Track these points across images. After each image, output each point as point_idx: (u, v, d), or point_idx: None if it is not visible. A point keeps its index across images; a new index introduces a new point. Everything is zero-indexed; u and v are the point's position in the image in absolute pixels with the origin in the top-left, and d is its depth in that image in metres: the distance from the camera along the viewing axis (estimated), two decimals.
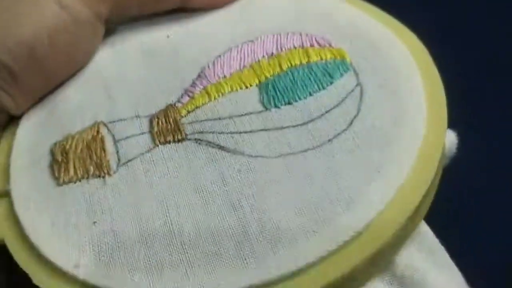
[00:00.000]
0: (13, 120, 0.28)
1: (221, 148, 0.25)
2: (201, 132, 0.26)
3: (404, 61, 0.27)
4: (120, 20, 0.31)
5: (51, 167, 0.26)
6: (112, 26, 0.31)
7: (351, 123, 0.25)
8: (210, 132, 0.26)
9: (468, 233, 0.34)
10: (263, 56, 0.28)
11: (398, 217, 0.23)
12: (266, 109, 0.26)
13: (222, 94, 0.27)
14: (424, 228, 0.24)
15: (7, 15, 0.26)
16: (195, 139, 0.26)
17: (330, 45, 0.28)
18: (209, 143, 0.26)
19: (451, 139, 0.26)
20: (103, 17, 0.28)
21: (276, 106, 0.26)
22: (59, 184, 0.25)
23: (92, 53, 0.29)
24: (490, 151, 0.37)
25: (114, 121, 0.27)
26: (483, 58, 0.42)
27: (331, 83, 0.27)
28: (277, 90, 0.27)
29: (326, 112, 0.26)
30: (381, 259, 0.23)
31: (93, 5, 0.27)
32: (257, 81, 0.27)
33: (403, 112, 0.25)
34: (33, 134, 0.27)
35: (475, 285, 0.24)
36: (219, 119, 0.26)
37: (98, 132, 0.27)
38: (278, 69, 0.28)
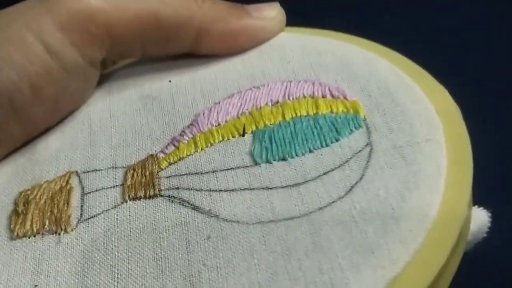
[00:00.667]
0: None
1: (195, 208, 0.21)
2: (177, 188, 0.22)
3: (428, 122, 0.22)
4: (121, 61, 0.28)
5: (10, 218, 0.23)
6: (112, 68, 0.28)
7: (350, 189, 0.20)
8: (186, 189, 0.22)
9: None
10: (267, 104, 0.24)
11: None
12: (256, 163, 0.22)
13: (211, 144, 0.23)
14: None
15: None
16: (169, 196, 0.22)
17: (344, 97, 0.24)
18: (182, 202, 0.22)
19: (481, 218, 0.21)
20: (97, 61, 0.25)
21: (267, 161, 0.22)
22: (12, 238, 0.22)
23: (83, 99, 0.26)
24: None
25: (88, 171, 0.24)
26: None
27: (337, 140, 0.22)
28: (273, 141, 0.23)
29: (324, 173, 0.21)
30: None
31: (86, 50, 0.24)
32: (253, 129, 0.23)
33: (415, 184, 0.20)
34: (4, 181, 0.25)
35: None
36: (201, 173, 0.22)
37: (67, 182, 0.23)
38: (280, 118, 0.24)
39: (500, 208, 0.22)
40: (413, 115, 0.22)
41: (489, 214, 0.22)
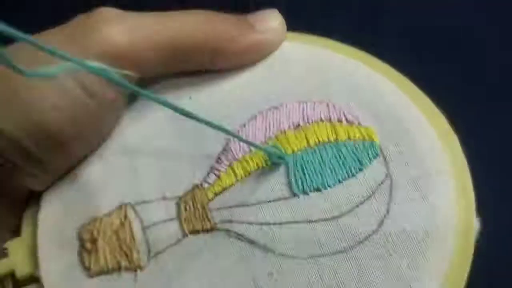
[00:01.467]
0: (34, 194, 0.28)
1: (251, 242, 0.25)
2: (230, 222, 0.26)
3: (435, 152, 0.26)
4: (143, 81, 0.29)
5: (80, 254, 0.26)
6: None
7: (381, 223, 0.25)
8: (239, 222, 0.26)
9: None
10: (289, 127, 0.27)
11: None
12: (294, 195, 0.26)
13: (248, 173, 0.27)
14: None
15: (29, 98, 0.25)
16: (225, 229, 0.26)
17: (358, 123, 0.27)
18: (238, 236, 0.26)
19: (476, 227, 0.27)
20: (124, 92, 0.27)
21: (304, 193, 0.26)
22: (90, 276, 0.25)
23: (115, 126, 0.28)
24: None
25: (140, 203, 0.27)
26: None
27: (360, 170, 0.26)
28: (305, 171, 0.26)
29: (357, 206, 0.26)
30: None
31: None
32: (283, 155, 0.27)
33: (434, 217, 0.25)
34: (57, 212, 0.27)
35: None
36: (247, 205, 0.26)
37: (126, 216, 0.26)
38: (305, 143, 0.27)
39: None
40: (422, 145, 0.26)
41: (480, 220, 0.27)
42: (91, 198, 0.27)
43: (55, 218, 0.27)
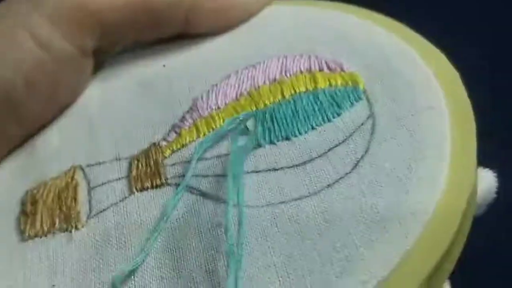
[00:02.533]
0: None
1: (202, 195, 0.21)
2: (183, 176, 0.22)
3: (428, 89, 0.22)
4: (114, 49, 0.27)
5: (18, 219, 0.23)
6: (105, 57, 0.27)
7: (357, 164, 0.20)
8: (193, 176, 0.22)
9: None
10: (264, 82, 0.24)
11: (407, 286, 0.18)
12: (260, 146, 0.22)
13: (213, 129, 0.23)
14: None
15: None
16: (175, 184, 0.22)
17: (342, 69, 0.24)
18: (189, 189, 0.22)
19: (489, 181, 0.21)
20: (89, 51, 0.25)
21: (271, 142, 0.22)
22: (23, 239, 0.22)
23: (79, 90, 0.26)
24: None
25: (92, 165, 0.24)
26: None
27: (339, 114, 0.22)
28: (275, 121, 0.23)
29: (329, 150, 0.21)
30: None
31: (76, 39, 0.24)
32: (254, 110, 0.23)
33: (421, 153, 0.20)
34: (7, 181, 0.25)
35: None
36: (205, 159, 0.22)
37: (72, 178, 0.23)
38: (279, 96, 0.23)
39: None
40: (413, 83, 0.22)
41: (495, 174, 0.22)
42: (44, 164, 0.25)
43: (3, 186, 0.24)
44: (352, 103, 0.22)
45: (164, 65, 0.27)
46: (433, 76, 0.22)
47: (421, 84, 0.22)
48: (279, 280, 0.18)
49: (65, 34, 0.24)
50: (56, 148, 0.25)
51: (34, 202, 0.23)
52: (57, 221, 0.22)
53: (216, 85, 0.25)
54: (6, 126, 0.24)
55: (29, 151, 0.25)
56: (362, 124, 0.22)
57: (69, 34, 0.24)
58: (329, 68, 0.24)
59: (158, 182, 0.22)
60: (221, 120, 0.23)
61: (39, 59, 0.24)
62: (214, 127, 0.23)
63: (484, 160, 0.21)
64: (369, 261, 0.18)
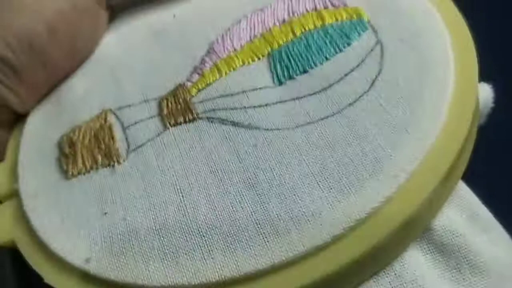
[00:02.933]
0: (22, 118, 0.27)
1: (235, 124, 0.23)
2: (213, 110, 0.24)
3: (428, 15, 0.25)
4: (125, 4, 0.29)
5: (59, 161, 0.25)
6: (118, 12, 0.29)
7: (372, 83, 0.23)
8: (222, 109, 0.24)
9: None
10: (275, 24, 0.26)
11: (431, 179, 0.20)
12: (281, 82, 0.24)
13: (234, 69, 0.25)
14: (463, 189, 0.22)
15: (4, 8, 0.25)
16: (207, 117, 0.24)
17: (345, 5, 0.26)
18: (222, 121, 0.24)
19: (485, 93, 0.24)
20: (104, 2, 0.27)
21: (291, 78, 0.24)
22: (68, 178, 0.24)
23: (97, 41, 0.28)
24: None
25: (122, 108, 0.26)
26: None
27: (349, 44, 0.25)
28: (291, 58, 0.25)
29: (345, 75, 0.24)
30: (415, 226, 0.21)
31: None
32: (269, 50, 0.25)
33: (427, 66, 0.23)
34: (40, 129, 0.26)
35: None
36: (231, 95, 0.24)
37: (105, 120, 0.25)
38: (291, 35, 0.26)
39: None
40: (414, 11, 0.25)
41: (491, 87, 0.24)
42: (73, 110, 0.26)
43: (37, 133, 0.26)
44: (359, 33, 0.25)
45: (174, 15, 0.28)
46: (430, 4, 0.25)
47: (421, 12, 0.25)
48: (318, 184, 0.21)
49: None
50: (82, 95, 0.26)
51: (72, 145, 0.25)
52: (99, 157, 0.24)
53: (229, 29, 0.27)
54: (33, 71, 0.26)
55: (55, 100, 0.27)
56: (372, 50, 0.24)
57: None
58: (333, 5, 0.26)
59: (190, 117, 0.24)
60: (240, 60, 0.25)
61: (60, 8, 0.25)
62: (234, 66, 0.25)
63: None
64: (397, 159, 0.21)
